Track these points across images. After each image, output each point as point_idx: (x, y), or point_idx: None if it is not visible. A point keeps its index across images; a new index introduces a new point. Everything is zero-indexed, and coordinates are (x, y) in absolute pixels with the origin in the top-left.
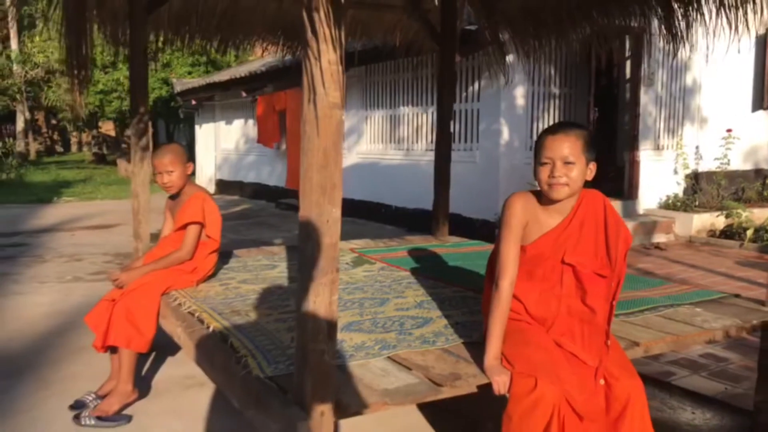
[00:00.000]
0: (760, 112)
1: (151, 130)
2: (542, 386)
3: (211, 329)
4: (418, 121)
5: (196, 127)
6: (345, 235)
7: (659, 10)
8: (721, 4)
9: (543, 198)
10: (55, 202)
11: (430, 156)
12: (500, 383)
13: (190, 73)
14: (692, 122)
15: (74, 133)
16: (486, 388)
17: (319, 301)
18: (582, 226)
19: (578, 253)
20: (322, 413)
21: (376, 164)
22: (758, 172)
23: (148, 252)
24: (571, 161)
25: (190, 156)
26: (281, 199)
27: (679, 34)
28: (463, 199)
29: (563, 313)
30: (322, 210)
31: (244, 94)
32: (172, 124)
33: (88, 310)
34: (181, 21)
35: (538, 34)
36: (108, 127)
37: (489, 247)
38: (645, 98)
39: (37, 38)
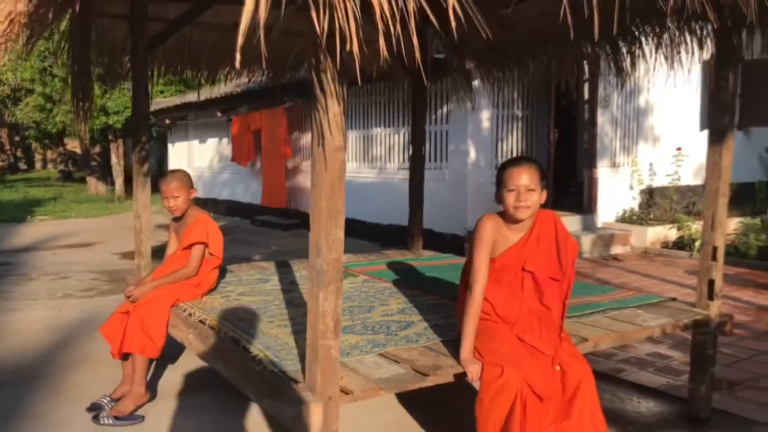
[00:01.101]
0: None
1: (121, 149)
2: (507, 373)
3: (222, 335)
4: (391, 141)
5: (169, 145)
6: None
7: (607, 47)
8: (658, 44)
9: (507, 218)
10: (29, 221)
11: (403, 174)
12: (473, 372)
13: (162, 92)
14: (646, 141)
15: (39, 150)
16: (461, 377)
17: (327, 306)
18: (538, 240)
19: (536, 262)
20: (330, 398)
21: (350, 182)
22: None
23: (156, 269)
24: (532, 188)
25: (162, 173)
26: (256, 215)
27: (625, 69)
28: (434, 214)
29: (524, 312)
30: (329, 231)
31: (219, 114)
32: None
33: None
34: (174, 54)
35: (502, 65)
36: (74, 145)
37: (459, 260)
38: (602, 119)
39: (6, 59)
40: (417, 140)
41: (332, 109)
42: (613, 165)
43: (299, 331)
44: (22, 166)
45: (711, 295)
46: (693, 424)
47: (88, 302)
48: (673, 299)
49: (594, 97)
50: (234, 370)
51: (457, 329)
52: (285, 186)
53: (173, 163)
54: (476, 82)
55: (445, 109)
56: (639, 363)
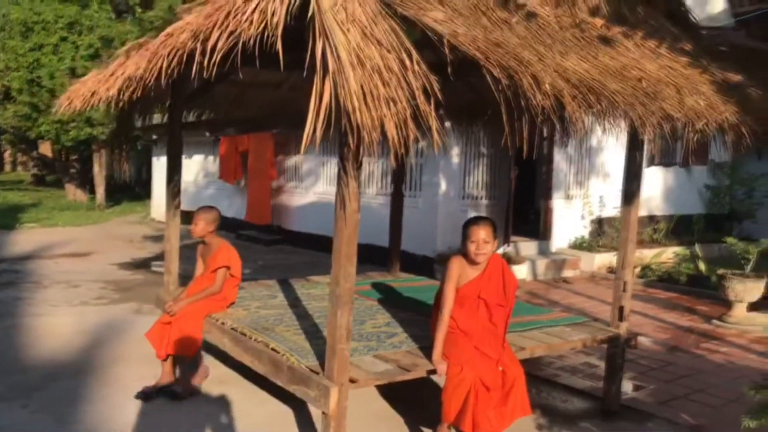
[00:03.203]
0: (653, 168)
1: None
2: (465, 371)
3: (253, 339)
4: (370, 168)
5: (154, 159)
6: (304, 266)
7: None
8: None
9: (468, 260)
10: (18, 228)
11: (380, 200)
12: (441, 369)
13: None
14: (597, 176)
15: (8, 152)
16: (432, 373)
17: (342, 320)
18: (490, 277)
19: (488, 293)
20: (343, 384)
21: (331, 203)
22: (651, 218)
23: (189, 287)
24: (487, 241)
25: (147, 187)
26: (241, 230)
27: (571, 133)
28: (408, 237)
29: (479, 328)
30: (346, 269)
31: (207, 134)
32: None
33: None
34: (197, 103)
35: (471, 121)
36: (45, 149)
37: (431, 283)
38: (558, 156)
39: None
40: (397, 181)
41: (351, 184)
42: (567, 197)
43: (311, 337)
44: None
45: (621, 318)
46: (605, 416)
47: (104, 309)
48: (595, 320)
49: (551, 138)
50: (267, 365)
51: (430, 339)
52: (270, 204)
53: (157, 177)
54: (448, 124)
55: (419, 145)
56: (572, 370)
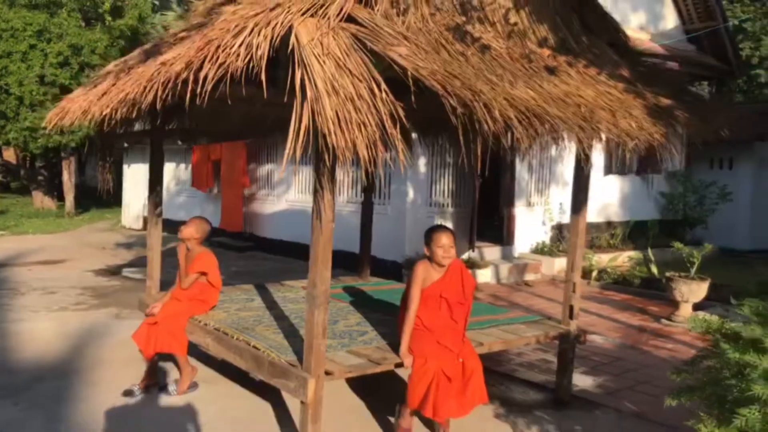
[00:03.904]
0: (611, 176)
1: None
2: (429, 362)
3: (235, 338)
4: (341, 177)
5: (125, 166)
6: (277, 272)
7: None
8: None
9: (433, 263)
10: None
11: (350, 207)
12: (408, 362)
13: None
14: (557, 184)
15: None
16: (399, 365)
17: (319, 318)
18: (451, 278)
19: (449, 293)
20: (319, 375)
21: (303, 211)
22: (609, 224)
23: (173, 290)
24: (452, 246)
25: (117, 193)
26: (213, 237)
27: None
28: (378, 243)
29: (441, 325)
30: (322, 273)
31: (179, 143)
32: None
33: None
34: (176, 117)
35: (437, 133)
36: (9, 155)
37: (399, 286)
38: (520, 165)
39: None
40: (368, 188)
41: (327, 197)
42: (529, 204)
43: (289, 336)
44: None
45: (571, 316)
46: (557, 406)
47: (84, 314)
48: (549, 318)
49: (512, 149)
50: (249, 361)
51: (398, 336)
52: (242, 212)
53: (128, 185)
54: (415, 135)
55: (387, 156)
56: (529, 366)
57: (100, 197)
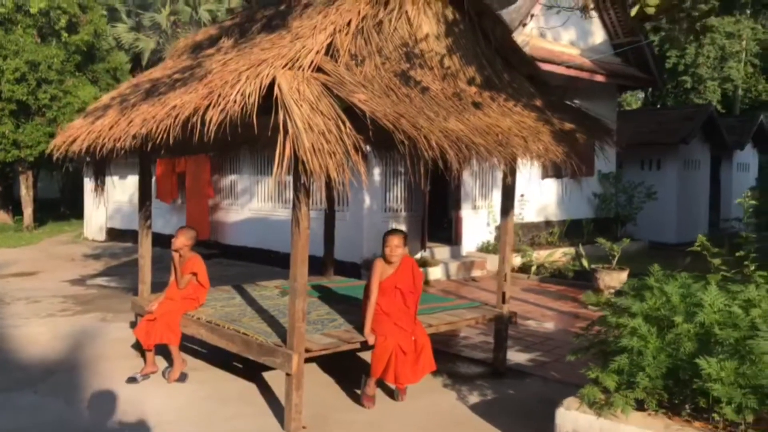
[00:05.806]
0: (548, 180)
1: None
2: (388, 339)
3: (225, 328)
4: None
5: (86, 179)
6: (243, 276)
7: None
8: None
9: (387, 260)
10: None
11: (313, 214)
12: (371, 340)
13: None
14: (499, 189)
15: None
16: (364, 343)
17: (299, 305)
18: (404, 272)
19: (402, 284)
20: (300, 352)
21: (266, 219)
22: (548, 223)
23: (168, 291)
24: (399, 246)
25: (74, 207)
26: None
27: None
28: (338, 246)
29: (397, 310)
30: (301, 270)
31: None
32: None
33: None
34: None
35: (388, 146)
36: None
37: (359, 283)
38: (465, 173)
39: None
40: (330, 199)
41: (303, 209)
42: (474, 207)
43: (271, 324)
44: None
45: (504, 301)
46: (494, 376)
47: (72, 319)
48: (486, 304)
49: (448, 168)
50: (239, 345)
51: (361, 320)
52: (208, 221)
53: (90, 198)
54: (368, 147)
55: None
56: (473, 347)
57: (57, 210)
